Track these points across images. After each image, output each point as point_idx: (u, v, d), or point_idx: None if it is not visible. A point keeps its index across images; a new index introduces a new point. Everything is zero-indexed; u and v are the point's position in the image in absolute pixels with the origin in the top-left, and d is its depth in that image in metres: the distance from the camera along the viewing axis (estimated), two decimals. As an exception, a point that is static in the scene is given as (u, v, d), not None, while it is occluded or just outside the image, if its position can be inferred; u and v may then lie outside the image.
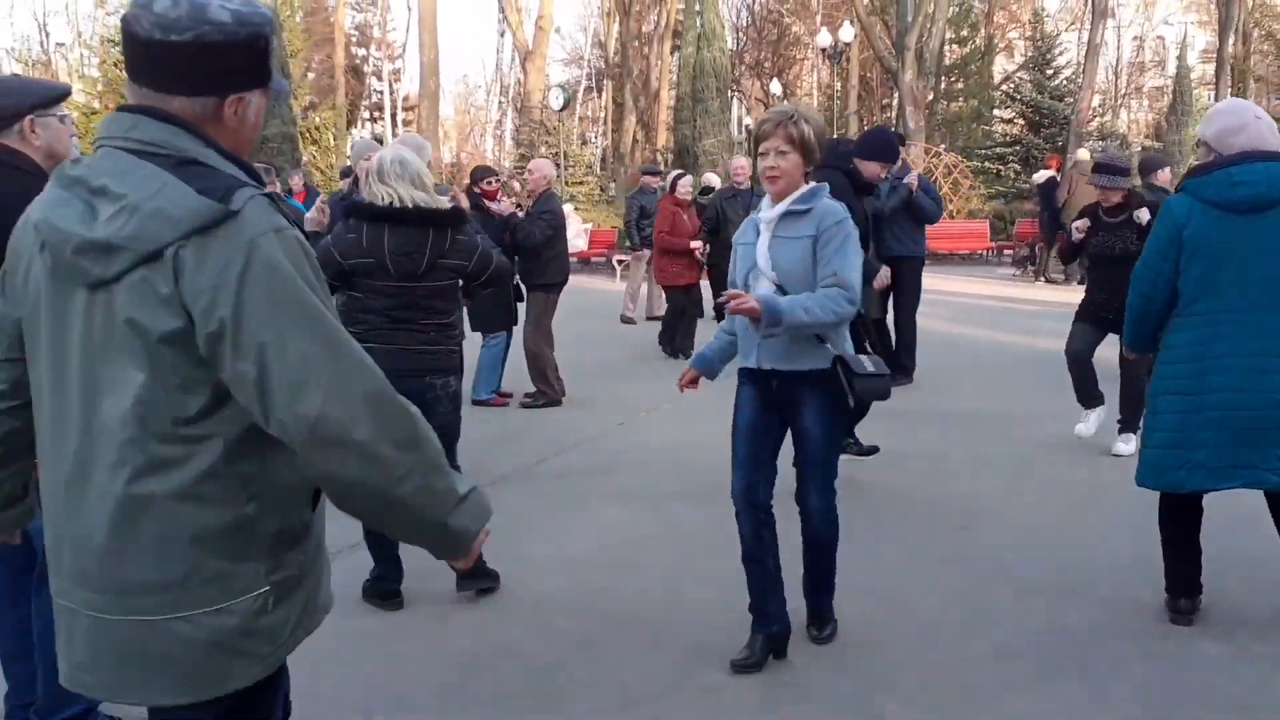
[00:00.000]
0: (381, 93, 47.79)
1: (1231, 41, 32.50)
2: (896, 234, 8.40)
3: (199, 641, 1.70)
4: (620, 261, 20.51)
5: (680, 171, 12.05)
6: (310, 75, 39.50)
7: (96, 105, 27.29)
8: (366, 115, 49.04)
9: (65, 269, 1.66)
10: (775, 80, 38.76)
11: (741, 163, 10.03)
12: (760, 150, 3.55)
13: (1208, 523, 4.03)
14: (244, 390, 1.62)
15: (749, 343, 3.60)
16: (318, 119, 27.34)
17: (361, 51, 49.01)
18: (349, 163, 7.93)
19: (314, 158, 25.20)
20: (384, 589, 4.28)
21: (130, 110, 1.71)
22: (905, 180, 8.36)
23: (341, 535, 5.15)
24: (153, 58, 1.68)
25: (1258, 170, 3.66)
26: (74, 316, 1.68)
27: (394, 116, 47.34)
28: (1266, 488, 3.79)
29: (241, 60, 1.72)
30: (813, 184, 3.59)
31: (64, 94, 3.05)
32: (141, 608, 1.69)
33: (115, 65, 27.75)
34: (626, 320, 13.66)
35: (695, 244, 10.47)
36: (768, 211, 3.60)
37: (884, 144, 6.66)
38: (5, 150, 2.86)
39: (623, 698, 3.50)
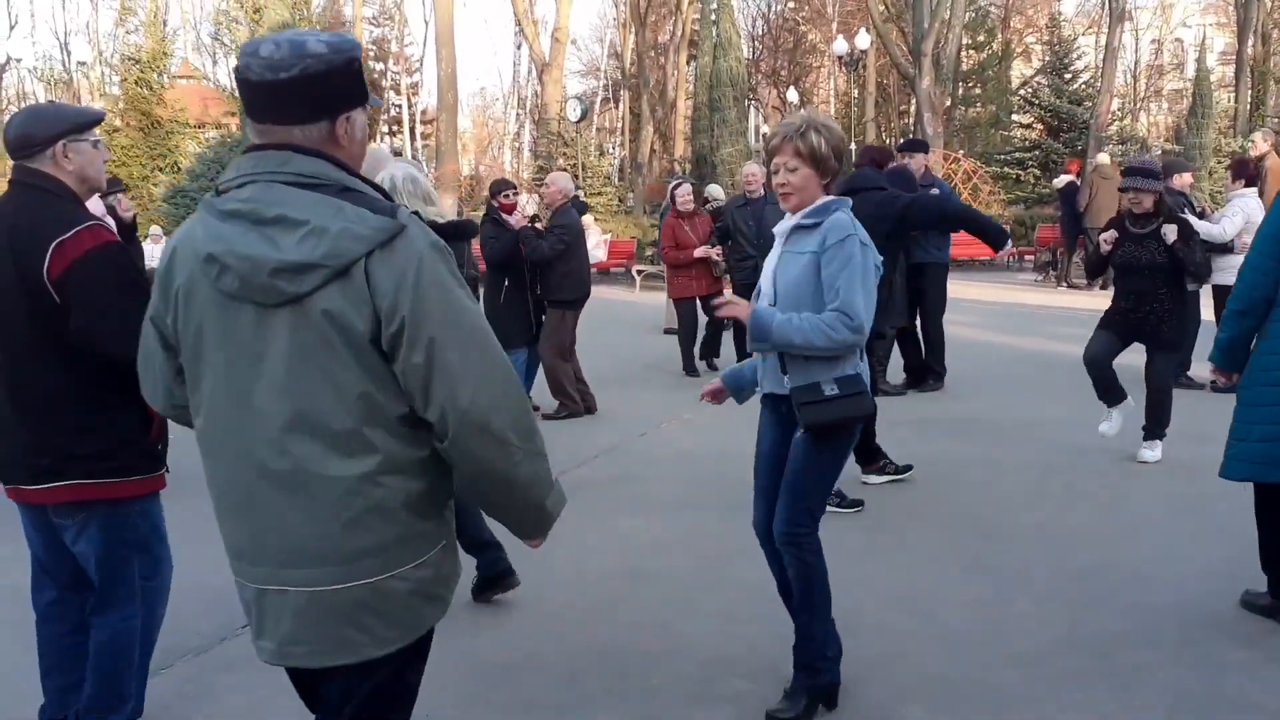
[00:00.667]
0: (400, 106, 48.06)
1: (1251, 43, 32.36)
2: (921, 241, 8.41)
3: (405, 593, 2.02)
4: (640, 271, 20.57)
5: (678, 180, 11.62)
6: (329, 90, 39.80)
7: (118, 123, 27.59)
8: (385, 129, 49.32)
9: (258, 289, 1.88)
10: (792, 88, 38.75)
11: (753, 170, 9.63)
12: (772, 166, 3.39)
13: (1230, 523, 4.01)
14: (413, 380, 1.90)
15: (765, 365, 3.45)
16: (336, 133, 27.53)
17: (379, 66, 49.31)
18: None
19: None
20: (499, 573, 4.37)
21: (274, 148, 1.94)
22: (933, 191, 8.37)
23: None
24: (269, 96, 1.92)
25: None
26: (264, 331, 1.91)
27: (413, 130, 47.61)
28: None
29: (342, 83, 1.98)
30: (828, 197, 3.35)
31: (96, 120, 3.12)
32: (363, 572, 1.96)
33: (136, 83, 28.08)
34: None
35: (701, 250, 9.88)
36: (782, 224, 3.45)
37: (916, 140, 6.71)
38: (37, 174, 2.93)
39: (645, 706, 3.50)
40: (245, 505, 1.99)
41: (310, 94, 1.93)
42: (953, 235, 9.09)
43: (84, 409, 2.92)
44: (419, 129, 48.57)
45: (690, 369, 10.17)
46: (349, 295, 1.86)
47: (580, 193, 8.97)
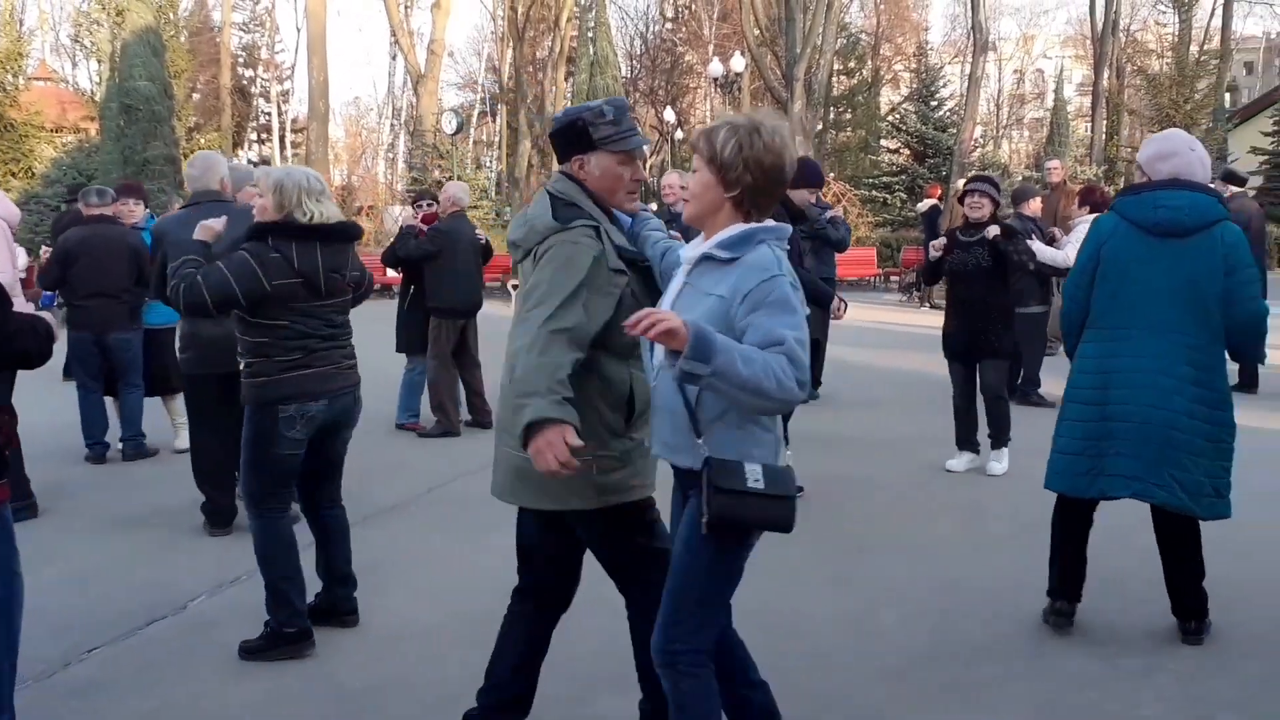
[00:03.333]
0: (269, 114, 46.91)
1: (1106, 75, 33.96)
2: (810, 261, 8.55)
3: None
4: (515, 286, 20.42)
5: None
6: (195, 96, 38.64)
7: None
8: (254, 137, 48.07)
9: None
10: (669, 108, 39.14)
11: (671, 180, 8.76)
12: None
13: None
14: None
15: (662, 418, 2.69)
16: (202, 141, 26.70)
17: (249, 73, 48.06)
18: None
19: (199, 179, 24.56)
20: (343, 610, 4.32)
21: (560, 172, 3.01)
22: (827, 215, 8.48)
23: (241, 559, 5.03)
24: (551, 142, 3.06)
25: (1182, 198, 3.83)
26: None
27: (282, 138, 46.50)
28: (1152, 501, 3.95)
29: (565, 139, 3.00)
30: (751, 225, 2.59)
31: None
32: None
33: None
34: None
35: None
36: (691, 248, 2.71)
37: (811, 170, 6.69)
38: None
39: (515, 729, 3.45)
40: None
41: (556, 146, 3.05)
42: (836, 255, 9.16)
43: None
44: (289, 137, 47.46)
45: None
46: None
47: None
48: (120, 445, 7.52)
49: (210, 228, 4.39)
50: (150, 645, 4.14)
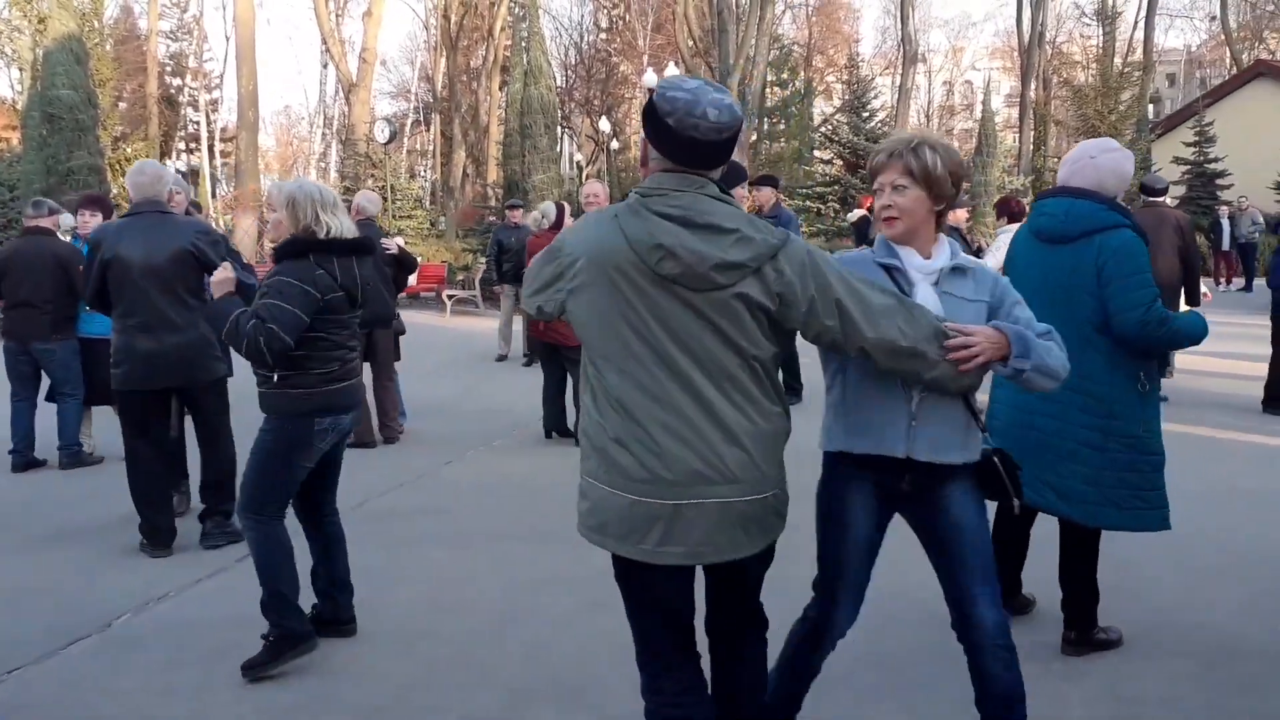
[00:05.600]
0: (198, 123, 46.20)
1: (1033, 87, 34.71)
2: None
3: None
4: (451, 296, 20.33)
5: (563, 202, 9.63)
6: (121, 105, 37.91)
7: None
8: (182, 146, 47.28)
9: (696, 279, 2.38)
10: (604, 118, 39.24)
11: (595, 189, 8.37)
12: (875, 187, 2.88)
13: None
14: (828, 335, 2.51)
15: (889, 416, 2.79)
16: (129, 150, 26.19)
17: (176, 81, 47.28)
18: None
19: (125, 190, 24.09)
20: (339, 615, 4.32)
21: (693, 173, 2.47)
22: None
23: (191, 566, 4.95)
24: (719, 149, 2.46)
25: (1059, 204, 3.87)
26: (682, 309, 2.41)
27: (211, 147, 45.81)
28: (1031, 504, 3.95)
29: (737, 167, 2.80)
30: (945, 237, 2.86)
31: None
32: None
33: None
34: (501, 359, 13.35)
35: None
36: (922, 260, 2.79)
37: (733, 171, 6.62)
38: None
39: (447, 742, 3.44)
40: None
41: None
42: None
43: None
44: (219, 146, 46.77)
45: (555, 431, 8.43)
46: (759, 285, 2.40)
47: (374, 216, 8.71)
48: (56, 454, 7.50)
49: (223, 284, 4.18)
50: (72, 665, 4.05)
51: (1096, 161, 3.90)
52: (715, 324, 2.42)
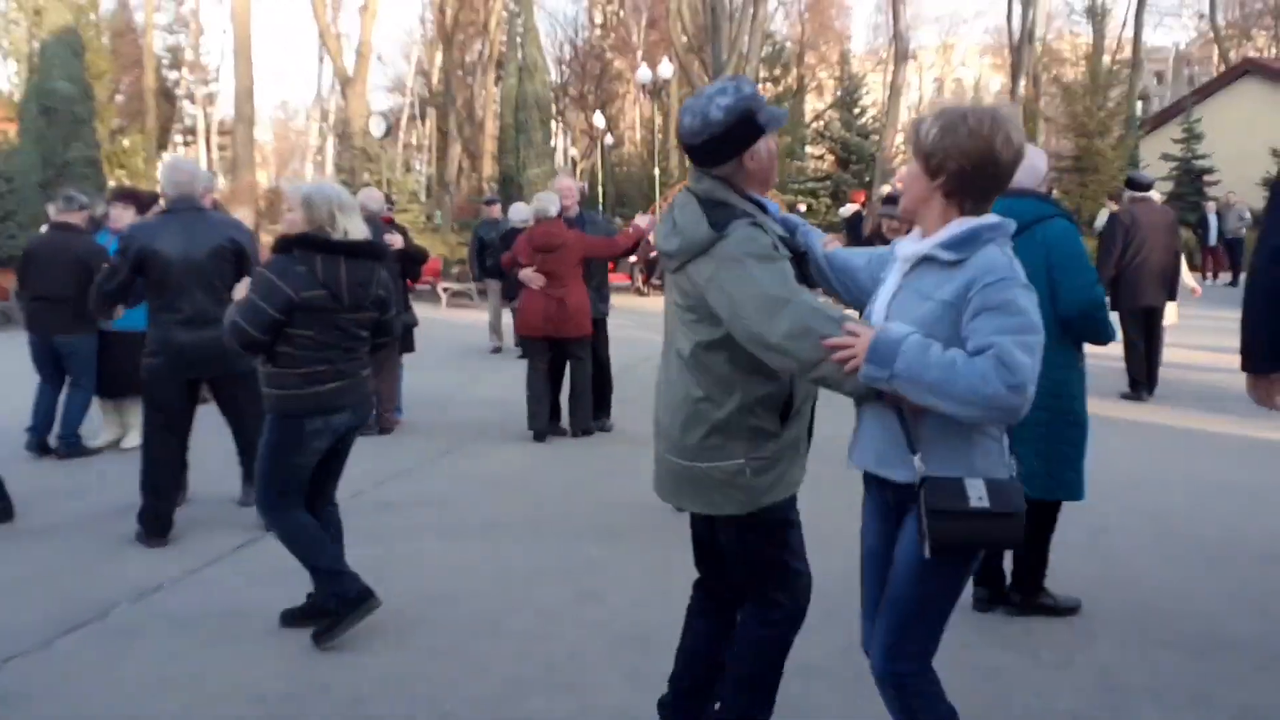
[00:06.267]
0: (195, 116, 46.12)
1: (1023, 84, 34.70)
2: None
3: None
4: (446, 289, 20.36)
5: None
6: (119, 98, 37.81)
7: None
8: (179, 139, 47.20)
9: (665, 259, 2.77)
10: (599, 113, 39.24)
11: (567, 183, 8.29)
12: None
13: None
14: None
15: (869, 426, 2.60)
16: (126, 143, 26.14)
17: (174, 74, 47.18)
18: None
19: (122, 182, 24.07)
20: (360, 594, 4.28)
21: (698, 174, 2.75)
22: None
23: (182, 558, 4.98)
24: (691, 152, 2.72)
25: (998, 205, 3.97)
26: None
27: (208, 140, 45.75)
28: None
29: (741, 132, 2.66)
30: (973, 222, 2.43)
31: None
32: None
33: None
34: (496, 351, 13.43)
35: (527, 273, 7.80)
36: (907, 245, 2.56)
37: None
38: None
39: (440, 730, 3.48)
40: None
41: (718, 149, 2.68)
42: None
43: None
44: (215, 139, 46.70)
45: (543, 433, 8.09)
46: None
47: (387, 209, 8.77)
48: (56, 443, 7.65)
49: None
50: (69, 654, 4.08)
51: (1024, 163, 4.10)
52: (675, 299, 2.79)
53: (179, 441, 5.70)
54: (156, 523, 5.49)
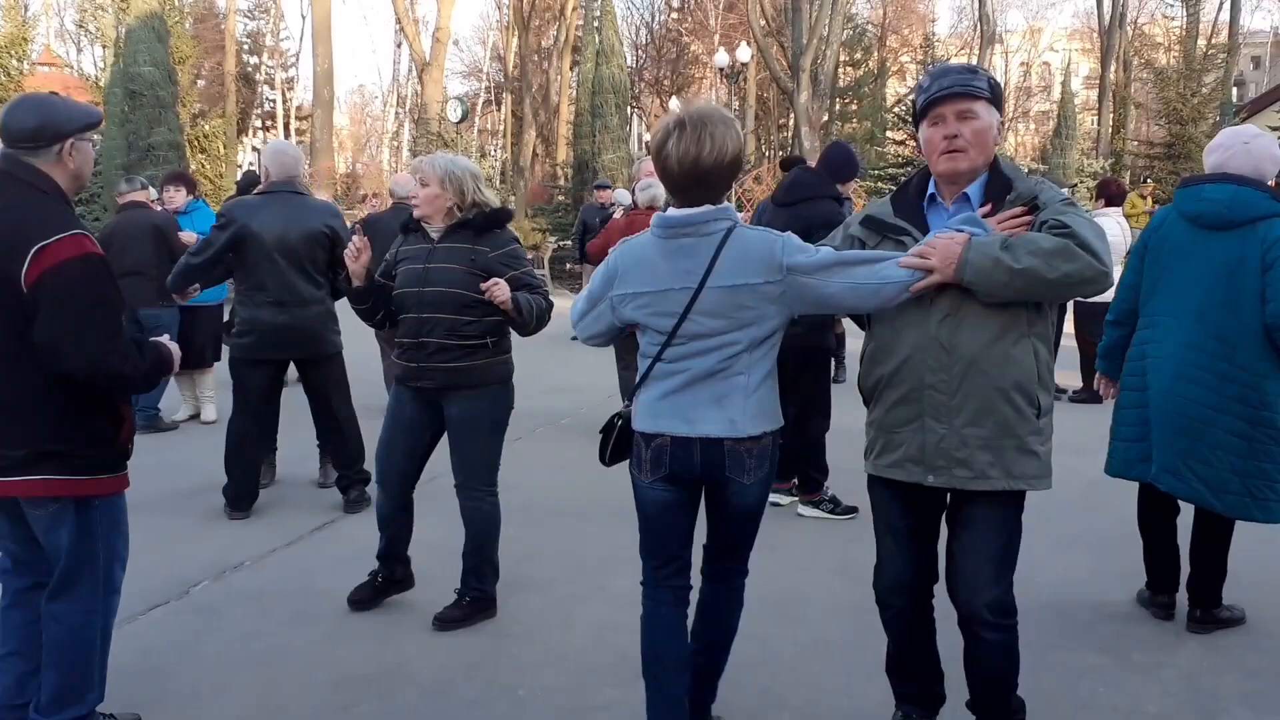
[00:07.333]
0: (274, 101, 46.90)
1: (1113, 69, 33.89)
2: None
3: None
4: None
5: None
6: (200, 83, 38.54)
7: None
8: (259, 124, 48.06)
9: None
10: (675, 98, 39.09)
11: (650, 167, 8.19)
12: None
13: (1086, 533, 4.16)
14: None
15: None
16: (207, 127, 26.65)
17: (254, 59, 48.01)
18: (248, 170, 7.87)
19: (202, 166, 24.58)
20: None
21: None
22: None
23: (260, 540, 5.04)
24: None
25: (1223, 190, 3.82)
26: None
27: (287, 125, 46.50)
28: (1174, 494, 3.99)
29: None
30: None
31: (99, 120, 3.08)
32: None
33: None
34: (575, 338, 13.30)
35: None
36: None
37: (845, 163, 6.16)
38: (33, 171, 2.87)
39: (514, 716, 3.46)
40: None
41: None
42: None
43: (58, 407, 2.87)
44: (294, 124, 47.45)
45: None
46: None
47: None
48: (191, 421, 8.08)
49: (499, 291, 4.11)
50: (151, 631, 4.14)
51: (1250, 147, 3.90)
52: None
53: (267, 421, 5.82)
54: (240, 499, 5.65)
